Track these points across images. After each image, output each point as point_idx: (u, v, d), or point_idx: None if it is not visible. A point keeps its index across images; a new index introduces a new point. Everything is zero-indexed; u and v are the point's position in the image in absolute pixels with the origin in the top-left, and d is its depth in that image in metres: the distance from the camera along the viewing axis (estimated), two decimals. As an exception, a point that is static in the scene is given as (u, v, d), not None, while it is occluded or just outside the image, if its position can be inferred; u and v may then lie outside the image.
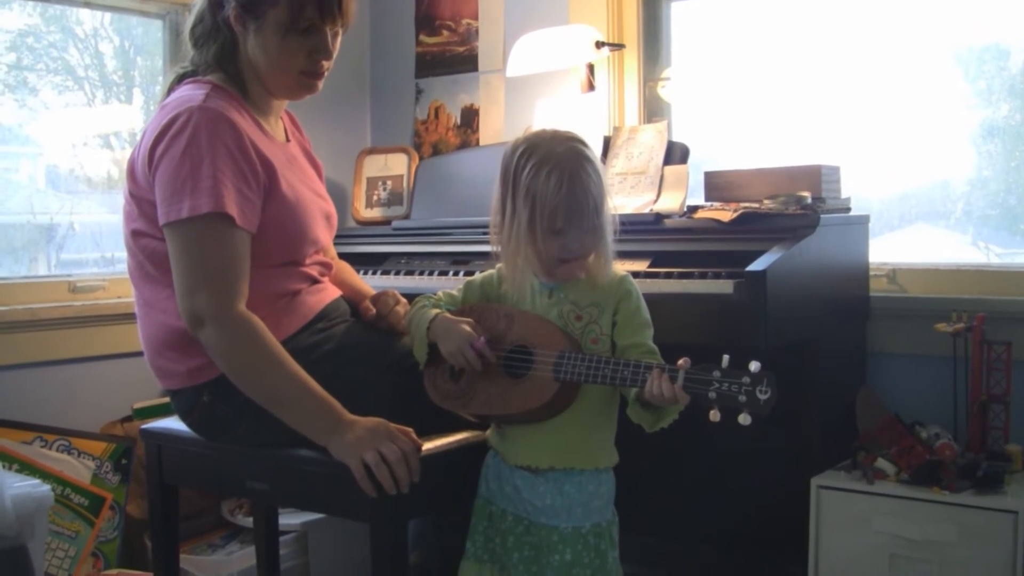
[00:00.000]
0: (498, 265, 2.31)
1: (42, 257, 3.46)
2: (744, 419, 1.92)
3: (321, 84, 2.42)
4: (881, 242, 3.21)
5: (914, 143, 3.29)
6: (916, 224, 3.34)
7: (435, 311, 2.27)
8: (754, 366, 1.93)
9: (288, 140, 2.54)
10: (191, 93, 2.29)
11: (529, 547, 2.22)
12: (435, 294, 2.36)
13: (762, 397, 1.91)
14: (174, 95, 2.35)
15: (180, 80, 2.42)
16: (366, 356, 2.37)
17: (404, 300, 2.53)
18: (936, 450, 2.70)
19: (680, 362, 1.99)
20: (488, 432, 2.33)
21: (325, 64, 2.39)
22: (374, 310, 2.52)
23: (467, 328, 2.20)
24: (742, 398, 1.92)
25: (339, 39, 2.41)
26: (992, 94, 3.23)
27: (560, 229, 2.12)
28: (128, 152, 2.39)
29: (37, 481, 2.70)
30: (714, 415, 1.95)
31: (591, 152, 2.17)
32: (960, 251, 3.23)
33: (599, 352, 2.15)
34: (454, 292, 2.37)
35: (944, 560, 2.53)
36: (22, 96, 3.43)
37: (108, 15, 3.63)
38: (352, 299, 2.57)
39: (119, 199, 2.41)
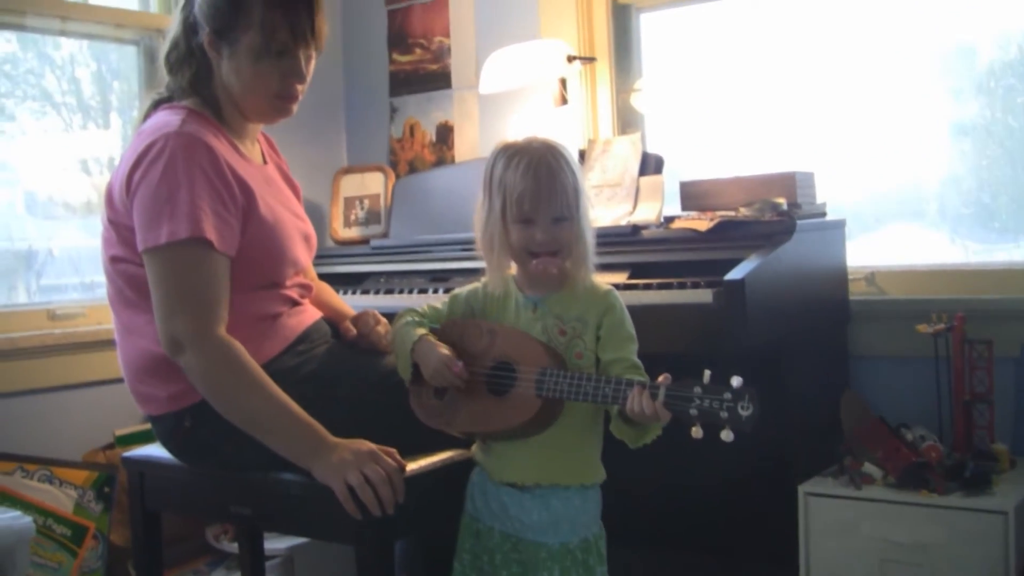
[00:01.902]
0: (483, 279, 2.31)
1: (21, 284, 3.44)
2: (727, 435, 1.90)
3: (295, 107, 2.42)
4: (858, 245, 3.22)
5: (886, 144, 3.31)
6: (892, 225, 3.35)
7: (419, 331, 2.26)
8: (736, 381, 1.91)
9: (265, 162, 2.54)
10: (167, 119, 2.29)
11: (517, 564, 2.20)
12: (421, 307, 2.36)
13: (744, 413, 1.90)
14: (150, 121, 2.34)
15: (156, 106, 2.42)
16: (348, 377, 2.36)
17: (384, 320, 2.52)
18: (922, 452, 2.70)
19: (660, 379, 1.98)
20: (473, 449, 2.32)
21: (299, 87, 2.39)
22: (355, 331, 2.52)
23: (446, 352, 2.19)
24: (724, 415, 1.91)
25: (313, 62, 2.41)
26: (962, 93, 3.25)
27: (527, 215, 2.13)
28: (107, 177, 2.38)
29: (18, 513, 2.67)
30: (696, 432, 1.93)
31: (565, 150, 2.19)
32: (936, 249, 3.24)
33: (583, 367, 2.14)
34: (438, 305, 2.36)
35: (935, 563, 2.54)
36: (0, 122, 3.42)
37: (84, 41, 3.63)
38: (333, 320, 2.56)
39: (98, 224, 2.41)
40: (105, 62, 3.70)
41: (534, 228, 2.14)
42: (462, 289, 2.37)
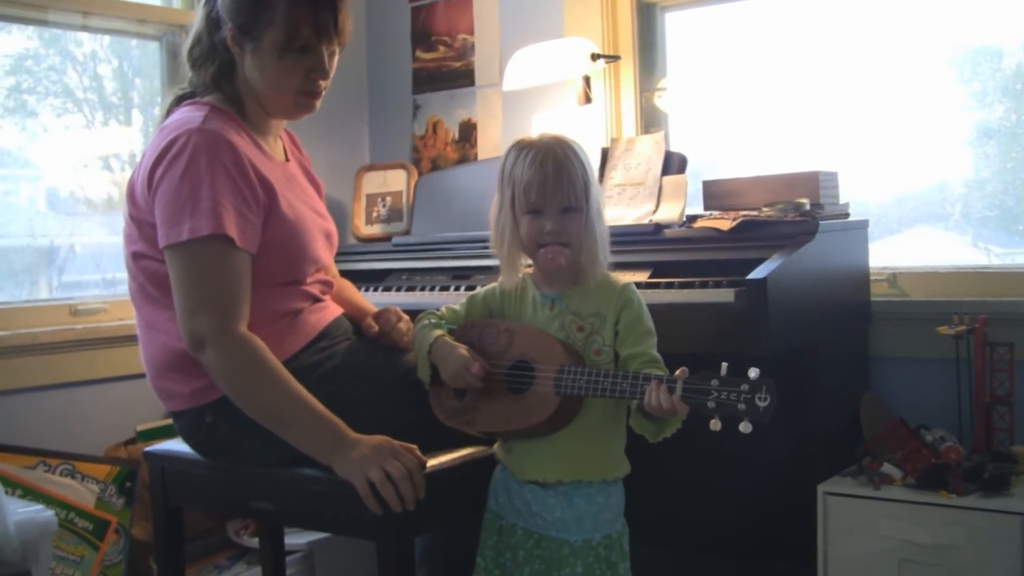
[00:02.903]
0: (500, 279, 2.32)
1: (43, 280, 3.46)
2: (745, 427, 1.90)
3: (319, 103, 2.42)
4: (881, 246, 3.21)
5: (911, 146, 3.30)
6: (915, 227, 3.34)
7: (437, 332, 2.27)
8: (753, 373, 1.92)
9: (287, 159, 2.54)
10: (189, 115, 2.30)
11: (540, 561, 2.21)
12: (438, 309, 2.36)
13: (761, 404, 1.90)
14: (173, 117, 2.35)
15: (179, 102, 2.42)
16: (369, 374, 2.37)
17: (406, 317, 2.53)
18: (941, 453, 2.69)
19: (678, 372, 1.98)
20: (496, 446, 2.33)
21: (322, 83, 2.39)
22: (376, 327, 2.52)
23: (464, 353, 2.20)
24: (741, 406, 1.91)
25: (336, 58, 2.41)
26: (987, 95, 3.24)
27: (535, 206, 2.14)
28: (128, 173, 2.39)
29: (41, 506, 2.69)
30: (714, 424, 1.93)
31: (576, 144, 2.20)
32: (960, 253, 3.23)
33: (602, 363, 2.15)
34: (456, 307, 2.37)
35: (953, 564, 2.53)
36: (21, 119, 3.44)
37: (106, 37, 3.64)
38: (354, 317, 2.57)
39: (119, 221, 2.42)
40: (127, 59, 3.72)
41: (543, 218, 2.15)
42: (479, 290, 2.38)
